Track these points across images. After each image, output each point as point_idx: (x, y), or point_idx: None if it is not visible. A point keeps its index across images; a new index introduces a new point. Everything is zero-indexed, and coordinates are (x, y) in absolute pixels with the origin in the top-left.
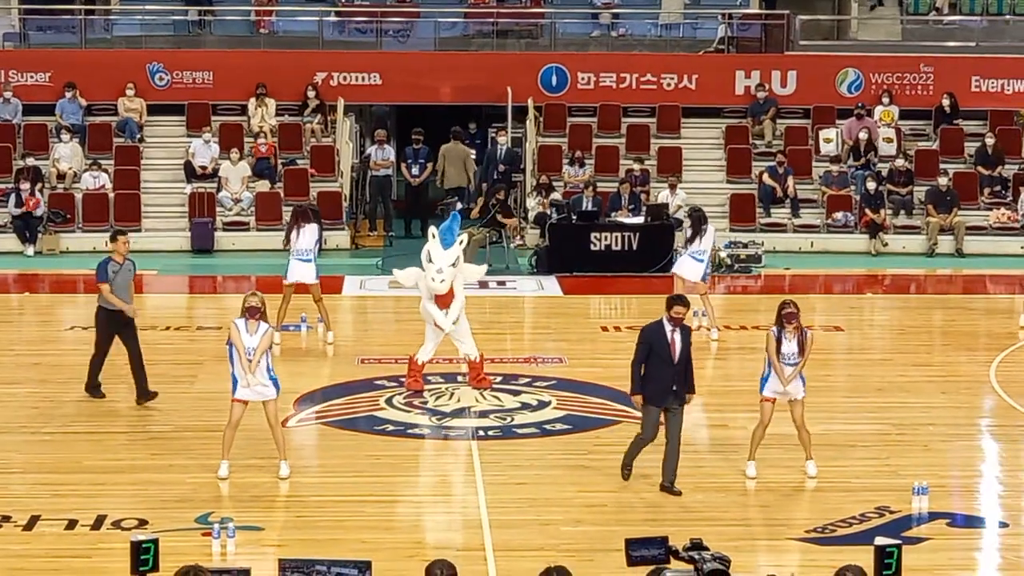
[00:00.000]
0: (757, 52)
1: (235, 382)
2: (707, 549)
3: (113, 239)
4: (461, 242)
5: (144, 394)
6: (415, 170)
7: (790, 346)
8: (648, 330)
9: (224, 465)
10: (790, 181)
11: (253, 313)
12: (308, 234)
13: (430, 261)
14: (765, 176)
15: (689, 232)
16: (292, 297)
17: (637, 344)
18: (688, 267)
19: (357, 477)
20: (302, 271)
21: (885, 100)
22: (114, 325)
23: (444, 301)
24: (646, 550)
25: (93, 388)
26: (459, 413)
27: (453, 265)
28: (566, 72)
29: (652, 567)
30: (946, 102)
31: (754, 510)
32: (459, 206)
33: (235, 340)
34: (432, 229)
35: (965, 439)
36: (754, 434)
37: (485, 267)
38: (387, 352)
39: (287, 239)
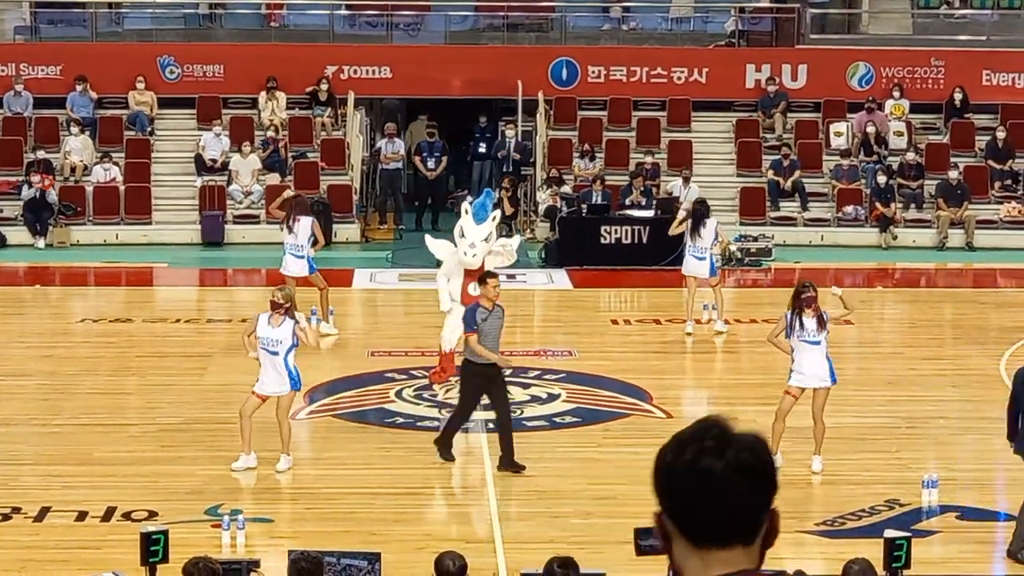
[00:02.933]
0: (768, 46)
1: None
2: None
3: (482, 282)
4: (494, 219)
5: (510, 463)
6: (430, 163)
7: (811, 323)
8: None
9: (244, 458)
10: (796, 174)
11: (275, 308)
12: (303, 228)
13: (462, 236)
14: (770, 172)
15: (689, 227)
16: (297, 290)
17: (1013, 388)
18: (694, 266)
19: (367, 469)
20: (296, 266)
21: (896, 94)
22: (482, 380)
23: (475, 277)
24: (655, 539)
25: (444, 447)
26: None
27: (485, 240)
28: (576, 66)
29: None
30: (957, 96)
31: None
32: (469, 199)
33: (250, 327)
34: (465, 204)
35: (975, 433)
36: (773, 427)
37: (518, 238)
38: (397, 345)
39: (288, 227)
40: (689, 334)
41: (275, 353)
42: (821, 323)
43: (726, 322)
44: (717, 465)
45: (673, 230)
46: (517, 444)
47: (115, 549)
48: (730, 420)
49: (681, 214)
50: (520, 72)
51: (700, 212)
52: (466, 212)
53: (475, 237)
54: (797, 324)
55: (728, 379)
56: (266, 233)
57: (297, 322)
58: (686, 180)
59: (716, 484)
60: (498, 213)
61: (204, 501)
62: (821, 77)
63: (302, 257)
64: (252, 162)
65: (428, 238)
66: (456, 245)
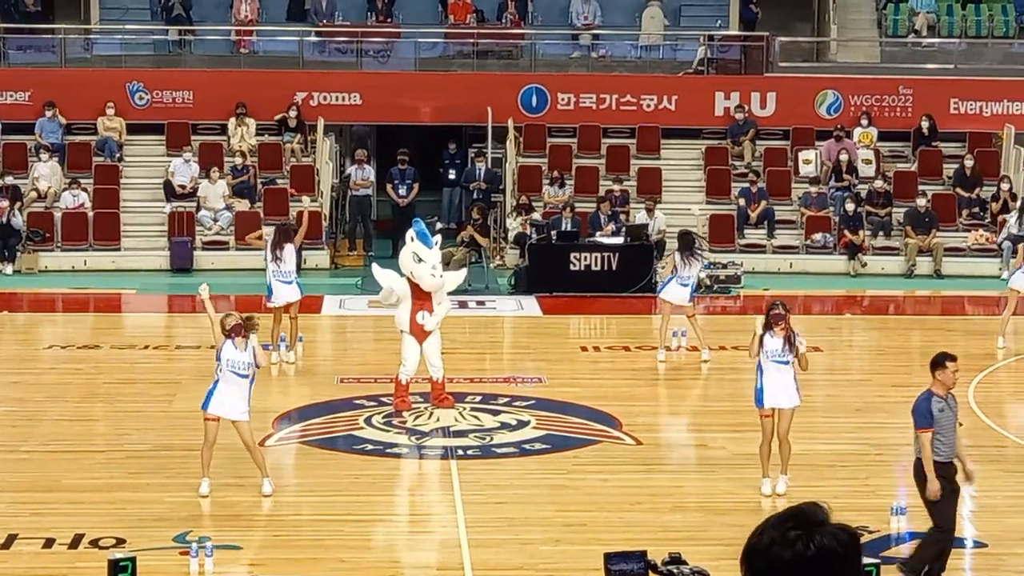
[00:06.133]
0: (737, 74)
1: (208, 396)
2: (685, 564)
3: (940, 365)
4: (437, 243)
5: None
6: (402, 191)
7: (774, 342)
8: None
9: (205, 483)
10: (763, 204)
11: (238, 331)
12: (289, 255)
13: (420, 261)
14: (740, 200)
15: (679, 256)
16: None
17: None
18: (675, 292)
19: (336, 496)
20: (288, 293)
21: (864, 122)
22: (947, 482)
23: (425, 304)
24: (624, 564)
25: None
26: (438, 432)
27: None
28: (546, 93)
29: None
30: (925, 124)
31: (733, 529)
32: (439, 225)
33: (225, 352)
34: (409, 232)
35: None
36: (760, 451)
37: (464, 272)
38: (366, 371)
39: (274, 256)
40: (662, 361)
41: (245, 376)
42: (789, 344)
43: (709, 349)
44: (786, 554)
45: (668, 268)
46: (488, 471)
47: None
48: (822, 509)
49: (657, 238)
50: (490, 99)
51: (691, 240)
52: (412, 239)
53: (434, 260)
54: (767, 343)
55: (697, 406)
56: (235, 259)
57: (253, 345)
58: (650, 211)
59: (782, 571)
60: (439, 238)
61: (172, 528)
62: (790, 105)
63: (291, 283)
64: (221, 188)
65: (375, 267)
66: (405, 272)
